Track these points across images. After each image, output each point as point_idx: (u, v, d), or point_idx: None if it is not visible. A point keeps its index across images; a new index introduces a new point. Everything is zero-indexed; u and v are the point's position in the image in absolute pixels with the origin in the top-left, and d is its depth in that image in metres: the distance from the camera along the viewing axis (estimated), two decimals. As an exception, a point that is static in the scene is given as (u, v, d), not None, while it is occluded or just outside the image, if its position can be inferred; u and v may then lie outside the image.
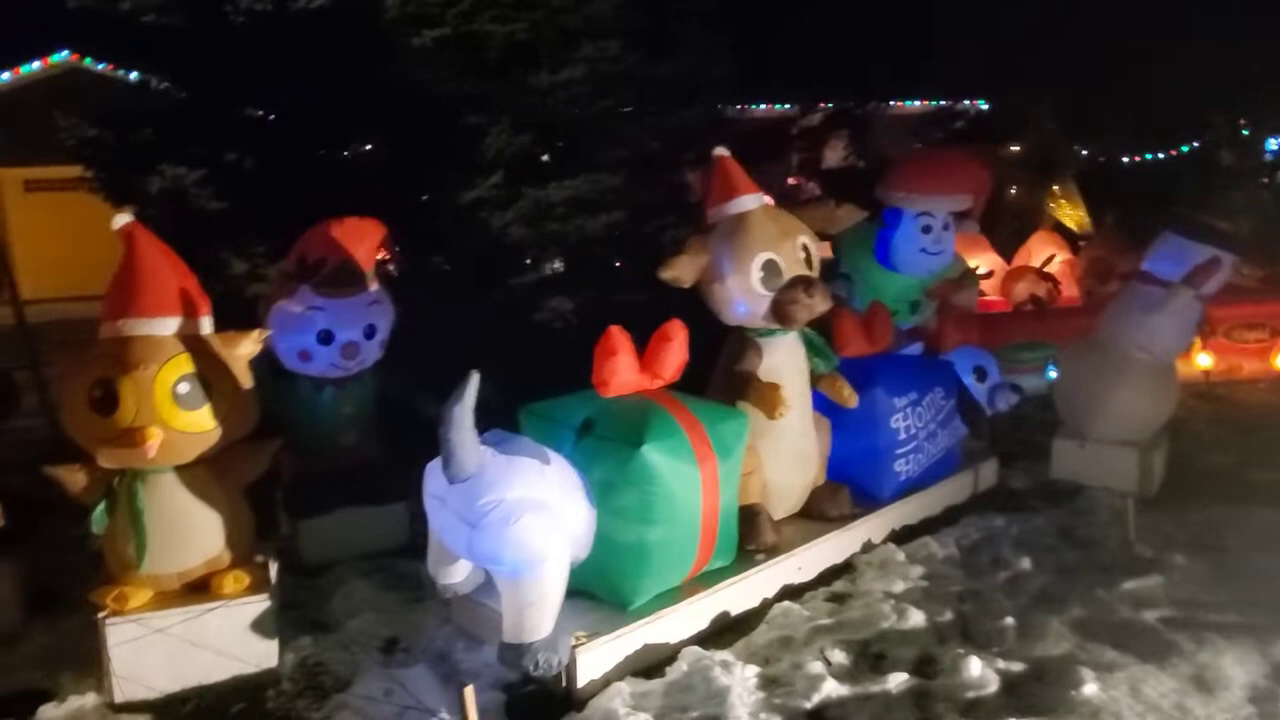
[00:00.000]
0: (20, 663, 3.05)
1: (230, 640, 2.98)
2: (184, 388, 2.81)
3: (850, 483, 3.99)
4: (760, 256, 3.45)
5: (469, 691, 2.43)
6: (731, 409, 3.34)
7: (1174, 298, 4.30)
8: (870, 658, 3.06)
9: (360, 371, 3.90)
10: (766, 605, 3.42)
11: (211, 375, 2.88)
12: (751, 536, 3.50)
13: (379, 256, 3.96)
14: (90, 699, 2.88)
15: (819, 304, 3.48)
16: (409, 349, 4.69)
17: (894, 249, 4.93)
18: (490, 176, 5.13)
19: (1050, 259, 6.70)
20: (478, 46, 5.13)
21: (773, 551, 3.54)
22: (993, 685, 2.84)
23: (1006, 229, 8.37)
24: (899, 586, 3.56)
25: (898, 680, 2.88)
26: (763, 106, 11.57)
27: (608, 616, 3.02)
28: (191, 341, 2.88)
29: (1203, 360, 6.65)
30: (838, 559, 3.78)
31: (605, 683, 2.88)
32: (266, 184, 5.35)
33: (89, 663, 2.91)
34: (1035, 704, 2.75)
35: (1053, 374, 5.23)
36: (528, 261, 5.43)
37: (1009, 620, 3.23)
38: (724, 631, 3.25)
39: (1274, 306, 7.03)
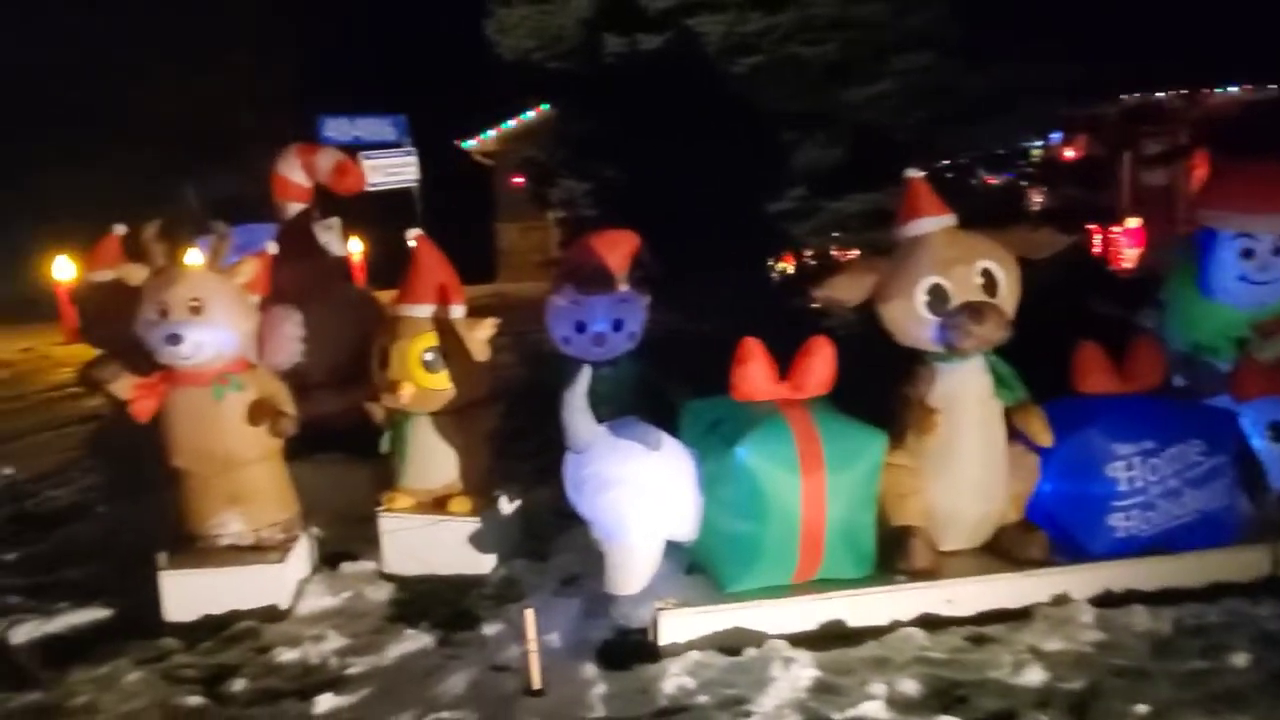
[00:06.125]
0: (341, 536, 4.42)
1: (455, 547, 4.01)
2: (428, 356, 3.88)
3: (1057, 529, 3.69)
4: (926, 281, 3.43)
5: (530, 613, 3.08)
6: (869, 428, 3.42)
7: None
8: (948, 699, 2.98)
9: (615, 359, 4.66)
10: (894, 626, 3.43)
11: (451, 349, 3.91)
12: (902, 557, 3.53)
13: (632, 263, 4.66)
14: (371, 565, 4.13)
15: (990, 332, 3.34)
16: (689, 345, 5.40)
17: (1209, 276, 4.19)
18: (795, 189, 5.53)
19: None
20: (795, 68, 5.54)
21: (921, 576, 3.51)
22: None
23: None
24: (1054, 645, 3.27)
25: (946, 725, 2.81)
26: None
27: (709, 594, 3.41)
28: (440, 323, 3.94)
29: None
30: (1012, 603, 3.55)
31: (687, 647, 3.29)
32: (628, 196, 6.43)
33: (376, 542, 4.16)
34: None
35: None
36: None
37: (1141, 708, 2.85)
38: (834, 639, 3.37)
39: None
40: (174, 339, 3.51)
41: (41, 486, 5.71)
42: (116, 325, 3.95)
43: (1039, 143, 7.92)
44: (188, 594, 3.70)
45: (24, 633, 3.68)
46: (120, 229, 4.53)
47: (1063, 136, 8.40)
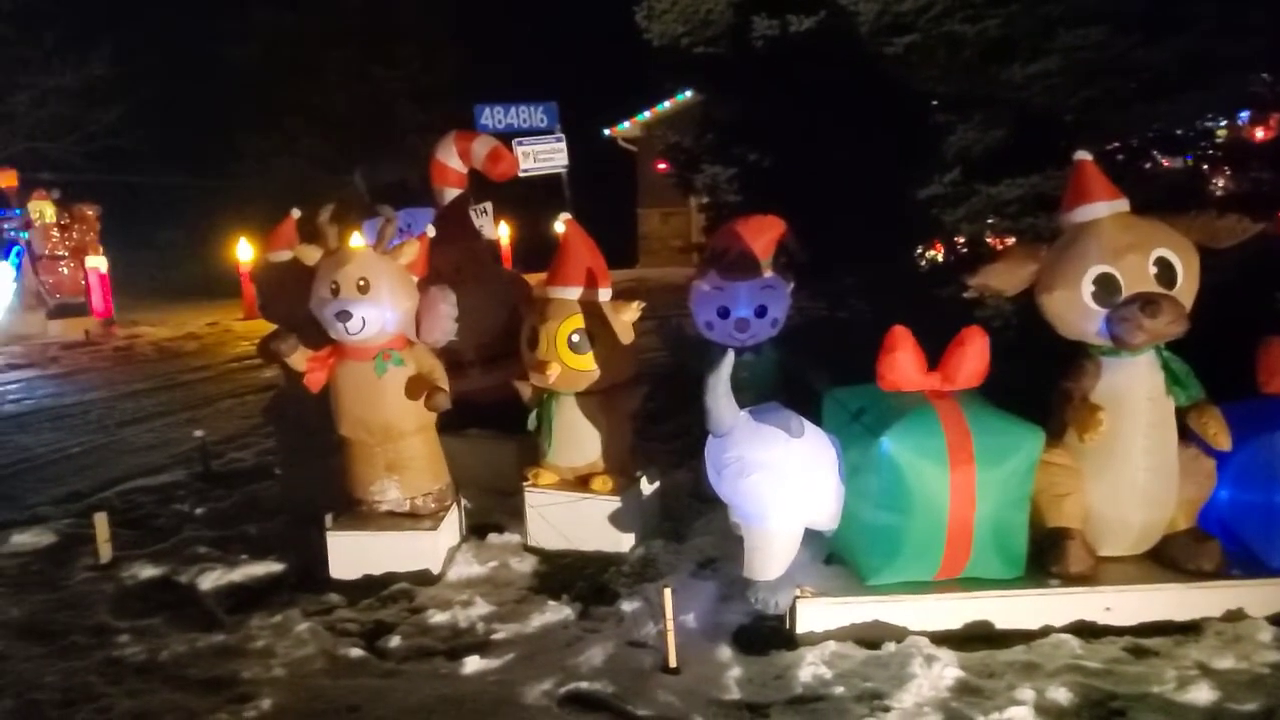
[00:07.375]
0: (487, 508, 4.61)
1: (596, 525, 4.11)
2: (576, 338, 3.98)
3: (1233, 540, 3.44)
4: (1094, 270, 3.23)
5: (667, 592, 3.13)
6: (1024, 424, 3.27)
7: None
8: (1104, 711, 2.83)
9: (757, 345, 4.64)
10: (1045, 631, 3.29)
11: (597, 331, 4.00)
12: (1056, 560, 3.37)
13: (777, 249, 4.61)
14: (516, 538, 4.30)
15: (1164, 326, 3.13)
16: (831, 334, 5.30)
17: None
18: (948, 173, 5.30)
19: None
20: (951, 47, 5.30)
21: (1076, 581, 3.34)
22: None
23: None
24: (1225, 663, 3.05)
25: (1102, 739, 2.67)
26: None
27: (849, 585, 3.37)
28: (588, 305, 4.03)
29: None
30: (1178, 616, 3.34)
31: (824, 637, 3.26)
32: (773, 181, 6.35)
33: (520, 515, 4.33)
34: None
35: None
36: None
37: (1328, 738, 2.62)
38: (980, 640, 3.26)
39: None
40: (343, 315, 3.75)
41: (227, 449, 6.25)
42: (292, 302, 4.25)
43: (1224, 121, 7.25)
44: (350, 554, 3.97)
45: (210, 580, 4.04)
46: (296, 213, 4.86)
47: (1251, 114, 7.69)
